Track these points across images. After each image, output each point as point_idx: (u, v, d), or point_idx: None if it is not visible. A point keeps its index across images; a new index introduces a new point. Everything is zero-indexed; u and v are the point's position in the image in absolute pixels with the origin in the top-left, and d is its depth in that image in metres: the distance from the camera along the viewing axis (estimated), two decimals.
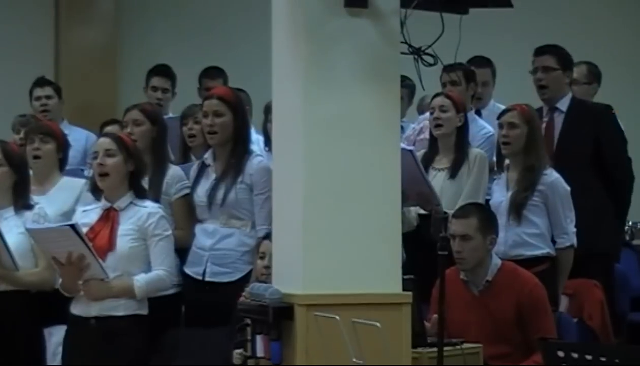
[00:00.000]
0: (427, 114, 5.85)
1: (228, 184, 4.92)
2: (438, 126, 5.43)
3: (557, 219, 5.16)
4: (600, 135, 5.60)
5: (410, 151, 5.13)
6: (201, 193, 4.99)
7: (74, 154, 5.73)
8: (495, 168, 5.42)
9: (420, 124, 6.02)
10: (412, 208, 5.29)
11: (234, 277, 4.89)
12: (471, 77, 5.97)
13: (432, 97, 5.57)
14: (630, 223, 7.16)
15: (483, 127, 5.81)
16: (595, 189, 5.54)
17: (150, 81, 6.63)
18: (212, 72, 6.82)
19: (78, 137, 6.19)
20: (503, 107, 5.86)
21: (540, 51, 5.74)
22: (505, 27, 8.05)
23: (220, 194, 4.92)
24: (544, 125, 5.65)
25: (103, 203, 4.62)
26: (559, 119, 5.68)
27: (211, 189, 4.94)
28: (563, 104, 5.70)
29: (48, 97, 6.47)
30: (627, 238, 7.18)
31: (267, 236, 4.54)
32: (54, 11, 7.90)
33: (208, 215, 4.97)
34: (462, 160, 5.39)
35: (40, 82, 6.59)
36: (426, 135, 5.74)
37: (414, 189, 5.10)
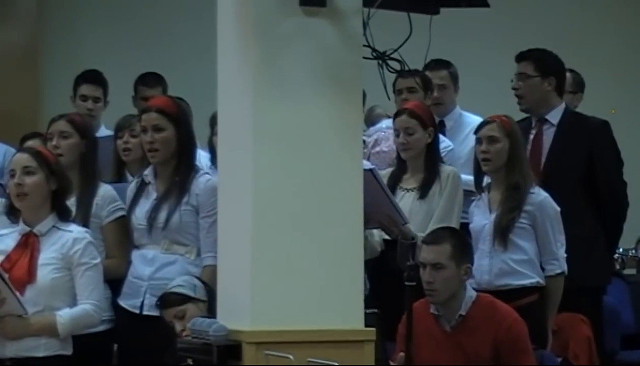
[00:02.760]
0: (381, 124, 5.89)
1: (171, 205, 4.91)
2: (406, 149, 5.46)
3: (546, 243, 5.19)
4: (593, 154, 5.58)
5: (371, 170, 5.16)
6: (140, 215, 4.97)
7: None
8: (474, 189, 5.45)
9: (373, 136, 6.05)
10: (376, 232, 5.31)
11: None
12: (428, 85, 6.04)
13: (394, 116, 5.59)
14: (621, 251, 7.23)
15: (442, 141, 5.85)
16: (585, 214, 5.54)
17: (79, 89, 6.59)
18: (150, 80, 6.80)
19: (0, 153, 6.14)
20: (473, 118, 5.92)
21: (519, 57, 5.78)
22: (480, 30, 8.13)
23: (162, 216, 4.91)
24: (532, 137, 5.69)
25: (21, 227, 4.58)
26: (548, 133, 5.68)
27: (152, 210, 4.94)
28: (554, 116, 5.69)
29: None
30: (618, 266, 7.25)
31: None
32: None
33: (148, 240, 4.96)
34: (433, 179, 5.42)
35: None
36: (382, 147, 5.77)
37: (378, 213, 5.12)
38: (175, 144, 4.94)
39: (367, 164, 5.31)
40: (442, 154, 5.65)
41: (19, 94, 7.60)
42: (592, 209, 5.59)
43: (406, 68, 4.09)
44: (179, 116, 4.99)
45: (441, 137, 5.80)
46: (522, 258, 5.16)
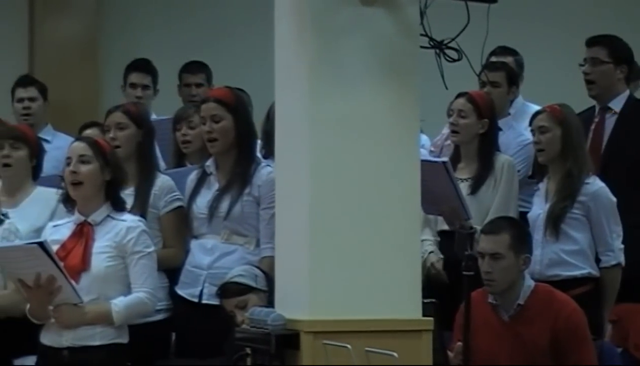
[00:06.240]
0: None
1: (233, 195, 4.92)
2: (454, 132, 5.44)
3: (601, 234, 5.15)
4: None
5: (444, 162, 5.14)
6: (201, 204, 4.99)
7: (56, 165, 5.73)
8: (530, 177, 5.40)
9: (448, 129, 6.03)
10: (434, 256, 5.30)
11: None
12: (514, 80, 5.97)
13: (455, 98, 5.57)
14: None
15: (521, 134, 5.79)
16: None
17: (129, 78, 6.65)
18: (193, 67, 6.85)
19: (62, 145, 6.12)
20: (535, 107, 5.87)
21: (591, 42, 5.71)
22: (538, 17, 8.05)
23: (224, 206, 4.92)
24: (593, 127, 5.63)
25: (76, 217, 4.59)
26: (610, 121, 5.64)
27: (214, 200, 4.95)
28: (617, 104, 5.64)
29: (31, 99, 6.47)
30: None
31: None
32: (28, 0, 7.92)
33: (207, 229, 4.97)
34: (486, 171, 5.39)
35: (23, 81, 6.58)
36: None
37: (443, 203, 5.11)
38: (234, 134, 4.95)
39: (441, 158, 5.31)
40: (519, 148, 5.61)
41: (79, 86, 7.66)
42: None
43: (463, 57, 4.04)
44: (237, 106, 5.00)
45: (521, 129, 5.77)
46: (573, 248, 5.12)
